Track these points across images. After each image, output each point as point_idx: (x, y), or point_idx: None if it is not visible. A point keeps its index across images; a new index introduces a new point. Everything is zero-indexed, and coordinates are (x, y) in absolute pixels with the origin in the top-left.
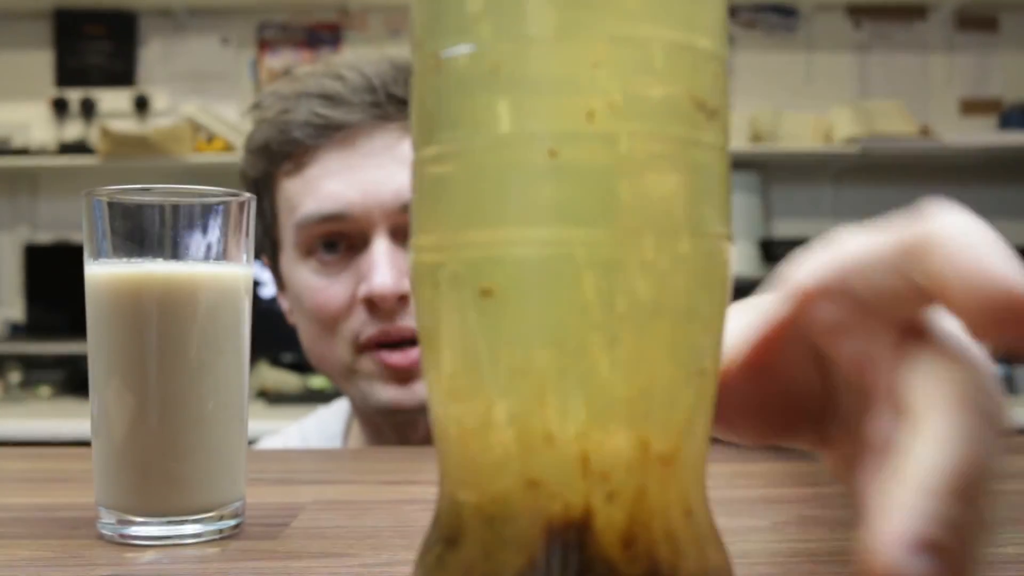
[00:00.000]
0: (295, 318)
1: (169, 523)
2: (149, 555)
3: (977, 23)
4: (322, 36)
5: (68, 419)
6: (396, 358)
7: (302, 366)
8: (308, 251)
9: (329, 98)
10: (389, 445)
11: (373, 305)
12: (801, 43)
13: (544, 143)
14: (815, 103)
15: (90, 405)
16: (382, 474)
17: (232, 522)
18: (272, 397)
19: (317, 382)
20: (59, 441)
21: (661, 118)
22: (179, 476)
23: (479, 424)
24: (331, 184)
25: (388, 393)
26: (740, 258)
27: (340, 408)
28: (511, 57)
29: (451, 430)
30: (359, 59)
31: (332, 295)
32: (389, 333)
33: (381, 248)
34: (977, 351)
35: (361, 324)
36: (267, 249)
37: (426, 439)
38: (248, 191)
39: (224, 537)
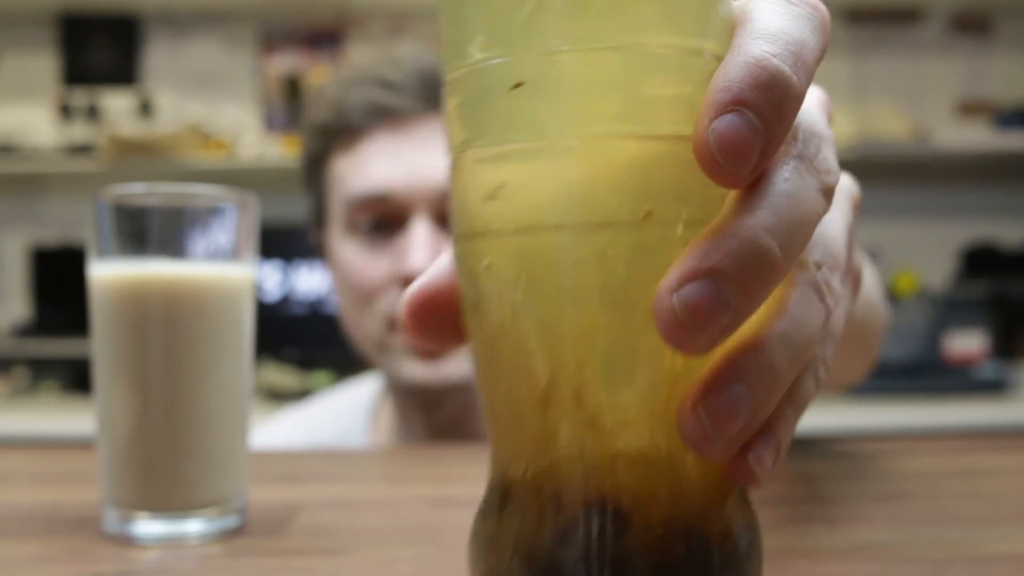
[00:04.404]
0: (336, 289)
1: (172, 520)
2: (153, 552)
3: (972, 26)
4: (324, 38)
5: (73, 418)
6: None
7: (303, 365)
8: (353, 227)
9: (384, 83)
10: (416, 424)
11: (410, 282)
12: None
13: (568, 142)
14: None
15: (95, 404)
16: (382, 473)
17: (234, 519)
18: (273, 395)
19: (318, 381)
20: (64, 440)
21: (672, 119)
22: (182, 474)
23: (525, 406)
24: (378, 165)
25: (416, 371)
26: None
27: (362, 393)
28: (535, 67)
29: (501, 413)
30: (418, 50)
31: (371, 272)
32: None
33: (421, 230)
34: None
35: (396, 301)
36: (316, 222)
37: (451, 420)
38: (306, 167)
39: (226, 534)
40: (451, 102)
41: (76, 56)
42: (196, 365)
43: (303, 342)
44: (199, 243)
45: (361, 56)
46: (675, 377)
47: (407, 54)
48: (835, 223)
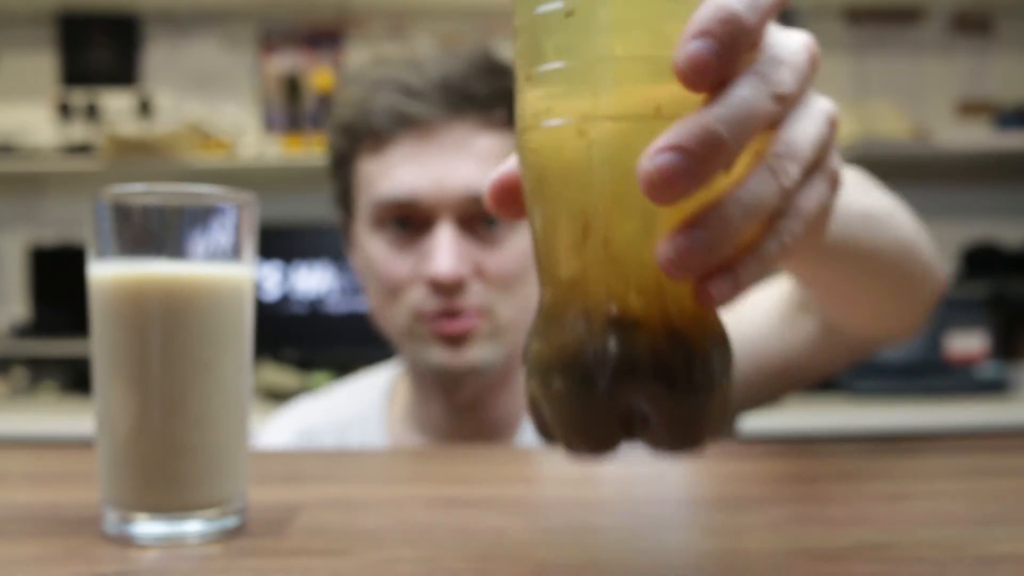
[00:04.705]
0: (363, 278)
1: (172, 521)
2: (152, 553)
3: (973, 25)
4: (324, 38)
5: (73, 418)
6: (450, 326)
7: (303, 365)
8: (380, 225)
9: (407, 91)
10: (435, 406)
11: (434, 284)
12: None
13: (602, 60)
14: None
15: (94, 404)
16: (382, 473)
17: (234, 520)
18: (273, 396)
19: (317, 381)
20: (64, 440)
21: (675, 46)
22: (182, 474)
23: (567, 252)
24: (405, 172)
25: (440, 356)
26: None
27: (379, 379)
28: (584, 7)
29: (549, 259)
30: (441, 53)
31: (398, 268)
32: (447, 309)
33: (445, 235)
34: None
35: (422, 298)
36: (341, 212)
37: (470, 401)
38: (333, 162)
39: (226, 535)
40: (517, 43)
41: (75, 55)
42: (196, 365)
43: (302, 342)
44: (199, 243)
45: (384, 54)
46: (668, 229)
47: (430, 59)
48: (802, 129)
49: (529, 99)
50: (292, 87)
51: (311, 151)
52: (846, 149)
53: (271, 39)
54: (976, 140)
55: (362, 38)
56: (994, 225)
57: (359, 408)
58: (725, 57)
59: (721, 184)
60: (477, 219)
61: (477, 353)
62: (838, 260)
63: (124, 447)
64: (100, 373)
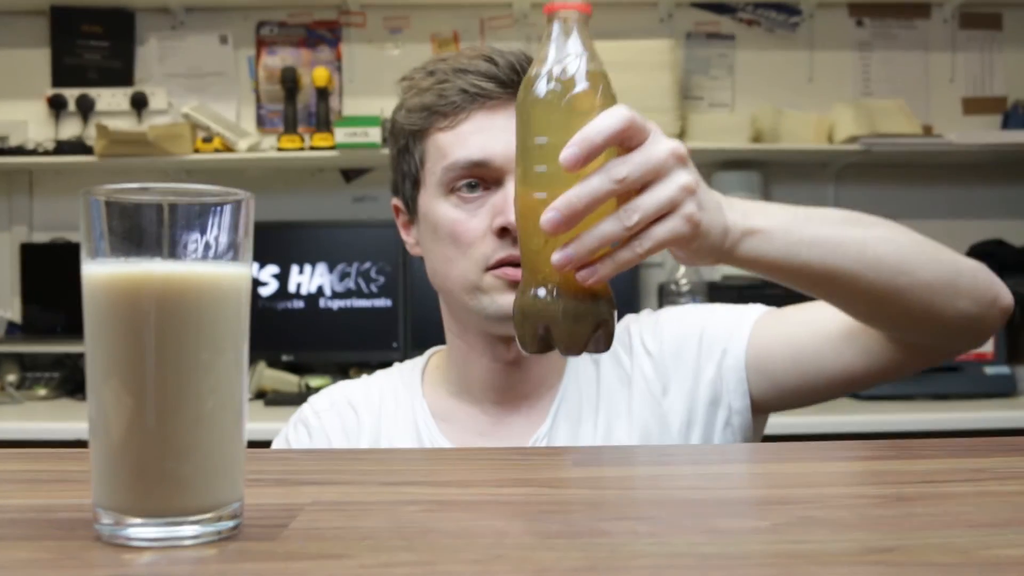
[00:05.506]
0: (424, 247)
1: (167, 524)
2: (147, 556)
3: (980, 21)
4: (321, 34)
5: (65, 420)
6: (516, 272)
7: (300, 367)
8: (451, 189)
9: (484, 74)
10: (481, 364)
11: (505, 233)
12: (803, 41)
13: (555, 165)
14: (817, 102)
15: (87, 405)
16: (381, 475)
17: (230, 523)
18: (271, 398)
19: (316, 382)
20: (56, 442)
21: None
22: (177, 477)
23: (534, 256)
24: (479, 138)
25: (507, 301)
26: None
27: (412, 362)
28: (550, 140)
29: (527, 258)
30: (504, 48)
31: (471, 224)
32: (515, 255)
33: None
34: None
35: (492, 249)
36: (406, 190)
37: (517, 356)
38: (396, 141)
39: (222, 538)
40: (517, 150)
41: (69, 51)
42: (191, 366)
43: (298, 342)
44: (194, 241)
45: (440, 54)
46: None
47: (497, 50)
48: (652, 194)
49: (521, 182)
50: (288, 84)
51: (307, 149)
52: (852, 145)
53: (267, 35)
54: (983, 137)
55: (359, 35)
56: (1002, 223)
57: (395, 380)
58: (584, 159)
59: (596, 218)
60: None
61: None
62: (790, 273)
63: (118, 449)
64: (94, 374)
